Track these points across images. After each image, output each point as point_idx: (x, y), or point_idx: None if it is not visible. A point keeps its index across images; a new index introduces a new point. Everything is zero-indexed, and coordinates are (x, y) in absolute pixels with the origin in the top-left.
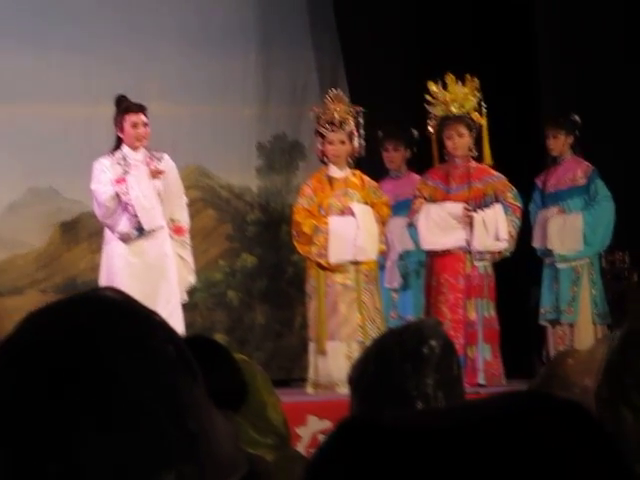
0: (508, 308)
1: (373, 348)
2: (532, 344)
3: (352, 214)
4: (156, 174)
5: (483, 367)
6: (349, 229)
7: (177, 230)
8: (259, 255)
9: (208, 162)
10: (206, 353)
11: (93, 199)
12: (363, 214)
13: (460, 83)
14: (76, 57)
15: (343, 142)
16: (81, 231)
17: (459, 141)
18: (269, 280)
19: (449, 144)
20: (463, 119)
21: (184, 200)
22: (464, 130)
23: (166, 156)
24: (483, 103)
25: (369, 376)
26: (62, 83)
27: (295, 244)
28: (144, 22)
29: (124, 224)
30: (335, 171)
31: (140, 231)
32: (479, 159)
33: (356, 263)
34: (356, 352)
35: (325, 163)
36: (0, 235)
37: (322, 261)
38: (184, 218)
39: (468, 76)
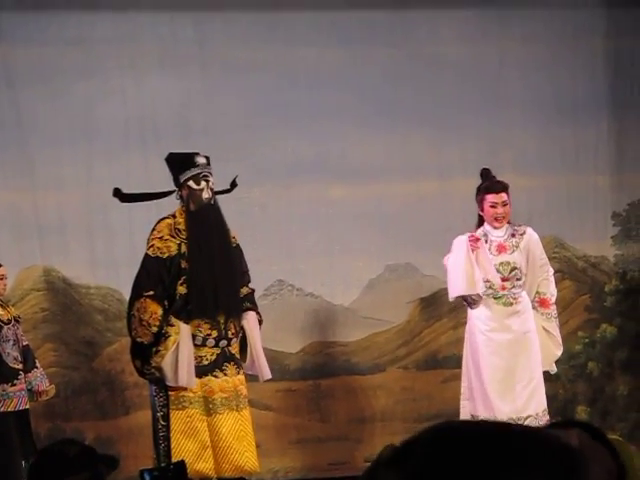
0: None
1: None
2: None
3: None
4: None
5: None
6: None
7: (542, 303)
8: (619, 325)
9: (563, 233)
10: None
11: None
12: None
13: None
14: (425, 129)
15: None
16: (441, 307)
17: None
18: (630, 350)
19: None
20: None
21: (550, 272)
22: None
23: (529, 230)
24: None
25: None
26: (412, 157)
27: None
28: (494, 92)
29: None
30: None
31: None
32: None
33: None
34: None
35: None
36: (360, 312)
37: None
38: (550, 290)
39: None
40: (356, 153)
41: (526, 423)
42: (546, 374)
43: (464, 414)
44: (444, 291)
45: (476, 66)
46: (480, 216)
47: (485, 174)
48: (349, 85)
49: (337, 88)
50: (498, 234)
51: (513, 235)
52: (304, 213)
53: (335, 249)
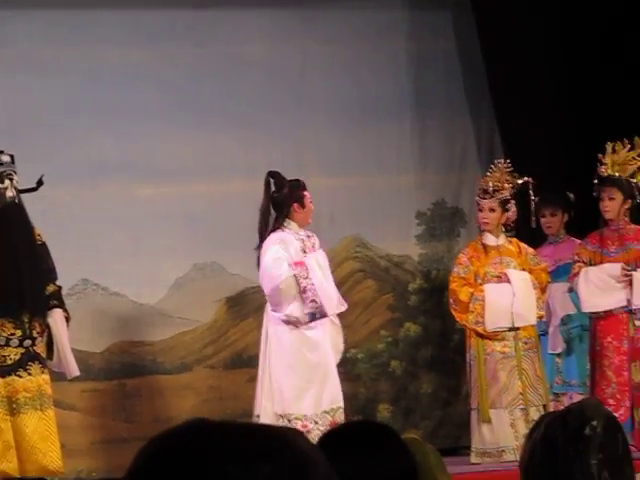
0: None
1: (538, 432)
2: None
3: (508, 281)
4: None
5: None
6: (505, 296)
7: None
8: (423, 324)
9: (366, 233)
10: (374, 436)
11: (264, 277)
12: (519, 280)
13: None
14: (231, 129)
15: (493, 210)
16: (247, 306)
17: (609, 204)
18: (434, 348)
19: (600, 206)
20: (615, 182)
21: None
22: (616, 193)
23: (315, 235)
24: None
25: (536, 461)
26: (218, 156)
27: (452, 312)
28: (298, 92)
29: (296, 308)
30: (490, 239)
31: (313, 317)
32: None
33: (514, 330)
34: (519, 420)
35: (482, 231)
36: (167, 312)
37: (479, 329)
38: None
39: (637, 139)
40: (162, 153)
41: (337, 415)
42: (348, 373)
43: (265, 415)
44: (250, 290)
45: (280, 66)
46: (281, 215)
47: (293, 182)
48: (155, 84)
49: (143, 87)
50: (302, 235)
51: (308, 238)
52: (110, 213)
53: (141, 249)
